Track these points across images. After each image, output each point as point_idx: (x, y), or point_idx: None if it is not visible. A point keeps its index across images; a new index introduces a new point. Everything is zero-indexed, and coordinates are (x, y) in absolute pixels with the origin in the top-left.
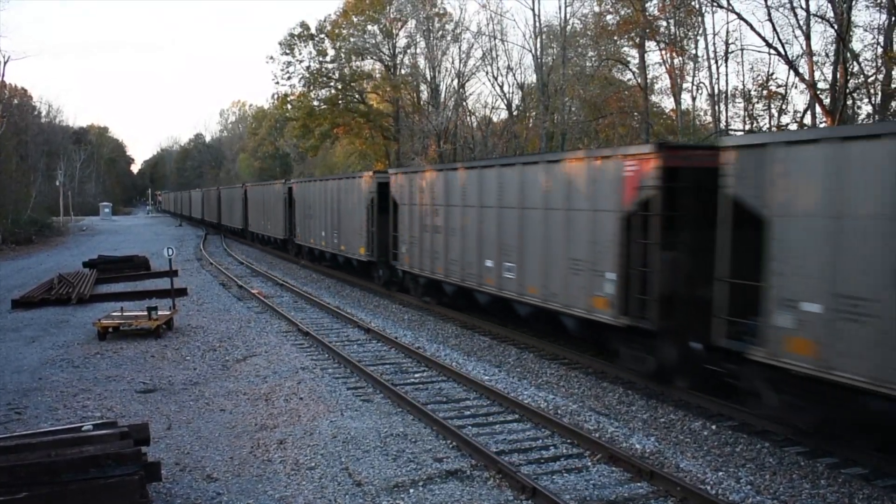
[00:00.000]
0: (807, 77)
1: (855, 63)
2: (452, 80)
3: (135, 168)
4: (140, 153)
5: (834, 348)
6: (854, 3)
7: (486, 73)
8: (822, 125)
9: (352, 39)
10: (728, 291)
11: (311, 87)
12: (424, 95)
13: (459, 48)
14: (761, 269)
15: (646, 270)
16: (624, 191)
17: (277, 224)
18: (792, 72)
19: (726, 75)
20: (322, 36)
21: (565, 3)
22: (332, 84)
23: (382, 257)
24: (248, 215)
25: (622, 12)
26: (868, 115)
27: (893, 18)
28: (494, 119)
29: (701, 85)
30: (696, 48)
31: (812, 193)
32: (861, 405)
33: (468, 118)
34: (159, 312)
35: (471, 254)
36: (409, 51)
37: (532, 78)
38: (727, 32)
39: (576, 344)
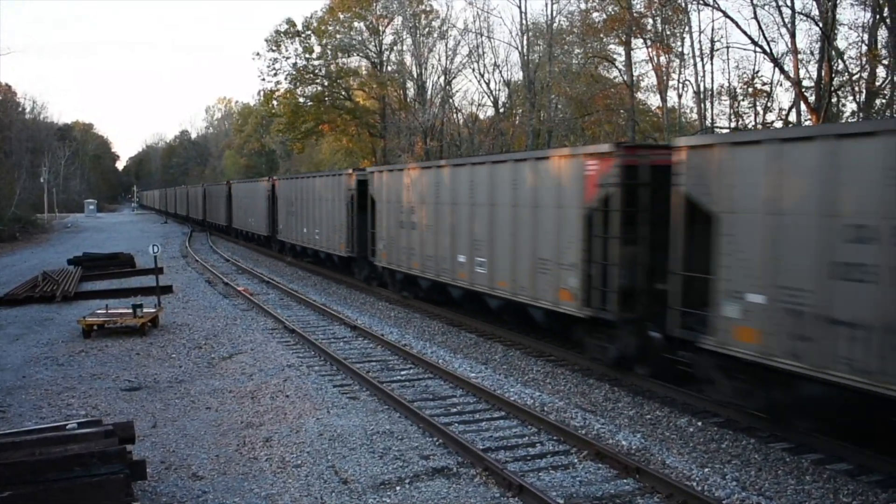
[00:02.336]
0: (792, 75)
1: (840, 61)
2: (439, 78)
3: (120, 165)
4: (125, 150)
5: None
6: (839, 1)
7: (473, 70)
8: (807, 123)
9: (338, 36)
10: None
11: (298, 84)
12: (411, 92)
13: (446, 45)
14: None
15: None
16: (585, 189)
17: (260, 221)
18: (777, 70)
19: (712, 73)
20: (308, 33)
21: (551, 0)
22: (318, 81)
23: (362, 253)
24: (232, 212)
25: (609, 10)
26: (853, 113)
27: (878, 17)
28: (481, 116)
29: (687, 82)
30: (682, 46)
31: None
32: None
33: (455, 115)
34: (144, 310)
35: (444, 249)
36: (395, 48)
37: (519, 75)
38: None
39: (563, 341)
